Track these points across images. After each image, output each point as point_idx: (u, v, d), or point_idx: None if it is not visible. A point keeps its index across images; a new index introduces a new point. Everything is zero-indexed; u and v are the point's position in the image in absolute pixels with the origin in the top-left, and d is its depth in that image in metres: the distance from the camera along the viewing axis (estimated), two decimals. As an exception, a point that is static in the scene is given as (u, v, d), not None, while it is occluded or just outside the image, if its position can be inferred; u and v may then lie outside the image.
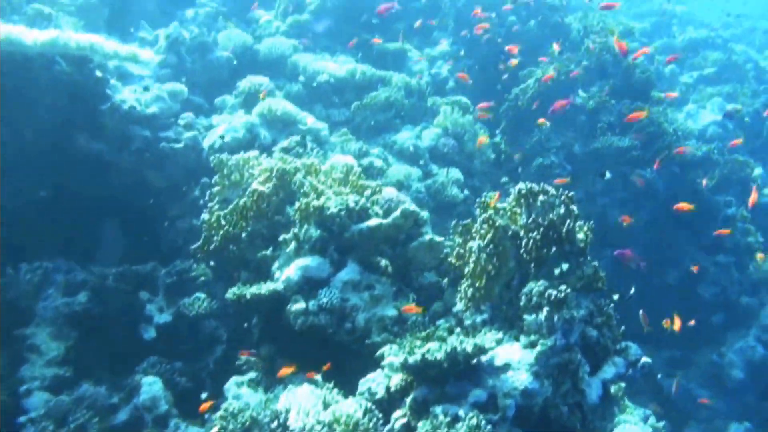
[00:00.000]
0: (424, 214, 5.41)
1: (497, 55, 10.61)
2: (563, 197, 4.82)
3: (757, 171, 11.50)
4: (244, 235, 5.50)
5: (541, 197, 4.82)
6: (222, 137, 7.31)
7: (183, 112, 7.78)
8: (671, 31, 15.80)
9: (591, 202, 9.57)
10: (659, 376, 8.94)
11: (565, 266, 4.71)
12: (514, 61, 10.05)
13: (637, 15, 15.24)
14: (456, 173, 8.57)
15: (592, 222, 4.96)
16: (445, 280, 5.32)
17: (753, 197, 8.35)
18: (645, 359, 4.73)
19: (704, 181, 9.85)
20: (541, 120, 8.76)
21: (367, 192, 5.57)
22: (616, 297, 5.03)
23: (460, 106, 9.34)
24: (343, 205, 5.14)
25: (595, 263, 4.82)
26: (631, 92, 10.20)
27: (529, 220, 4.72)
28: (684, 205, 7.71)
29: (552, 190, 4.85)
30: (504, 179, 9.84)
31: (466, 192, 8.40)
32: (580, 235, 4.90)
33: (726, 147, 11.51)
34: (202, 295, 6.24)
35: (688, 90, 13.77)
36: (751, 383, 9.56)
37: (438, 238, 5.34)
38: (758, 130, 12.58)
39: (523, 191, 4.82)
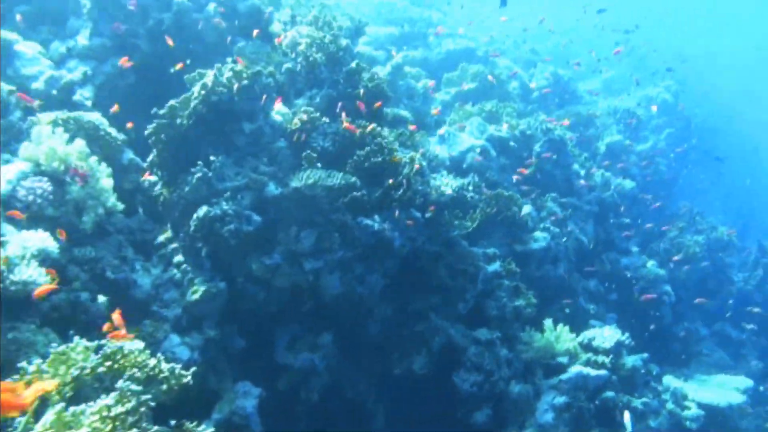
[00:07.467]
0: None
1: (164, 54, 7.18)
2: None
3: (526, 209, 9.03)
4: None
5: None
6: None
7: None
8: (427, 41, 13.32)
9: (296, 268, 6.36)
10: None
11: None
12: (180, 65, 6.78)
13: (388, 21, 12.62)
14: (44, 240, 4.96)
15: None
16: None
17: None
18: None
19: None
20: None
21: None
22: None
23: (75, 124, 5.76)
24: None
25: None
26: (356, 107, 7.24)
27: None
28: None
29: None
30: (163, 238, 6.37)
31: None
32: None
33: (487, 180, 8.97)
34: None
35: (444, 109, 11.22)
36: None
37: None
38: (527, 156, 10.22)
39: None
